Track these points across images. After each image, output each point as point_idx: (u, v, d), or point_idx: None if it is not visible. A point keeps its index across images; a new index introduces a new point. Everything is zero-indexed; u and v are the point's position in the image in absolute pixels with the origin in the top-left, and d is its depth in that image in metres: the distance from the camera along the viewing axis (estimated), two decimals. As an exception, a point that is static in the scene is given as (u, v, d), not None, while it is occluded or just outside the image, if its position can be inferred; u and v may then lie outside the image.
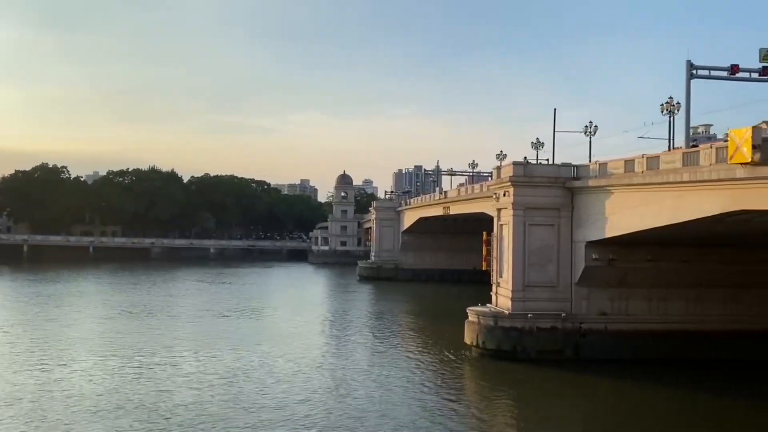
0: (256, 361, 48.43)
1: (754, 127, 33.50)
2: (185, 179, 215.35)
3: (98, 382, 41.31)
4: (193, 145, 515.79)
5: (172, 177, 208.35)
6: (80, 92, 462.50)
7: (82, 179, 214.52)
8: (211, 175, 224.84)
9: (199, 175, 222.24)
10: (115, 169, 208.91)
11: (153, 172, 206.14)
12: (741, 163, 33.51)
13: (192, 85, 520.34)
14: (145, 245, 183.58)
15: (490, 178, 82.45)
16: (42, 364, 46.56)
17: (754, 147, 32.61)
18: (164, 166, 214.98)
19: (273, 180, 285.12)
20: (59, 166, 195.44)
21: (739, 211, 35.07)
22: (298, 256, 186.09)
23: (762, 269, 48.80)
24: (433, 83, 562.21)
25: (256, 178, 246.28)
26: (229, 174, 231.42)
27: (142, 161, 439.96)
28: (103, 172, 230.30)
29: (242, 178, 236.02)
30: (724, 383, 43.04)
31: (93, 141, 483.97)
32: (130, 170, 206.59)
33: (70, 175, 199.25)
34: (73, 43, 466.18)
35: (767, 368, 46.27)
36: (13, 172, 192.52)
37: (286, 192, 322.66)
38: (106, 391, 38.97)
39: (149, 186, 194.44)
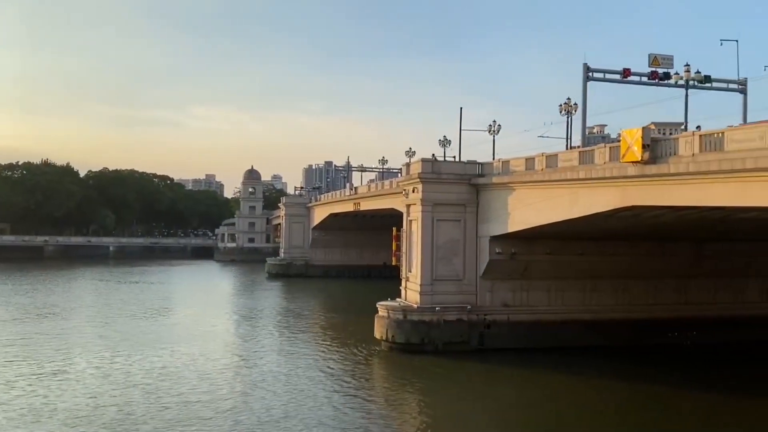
0: (160, 363, 46.67)
1: (644, 128, 35.83)
2: (82, 173, 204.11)
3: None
4: (91, 138, 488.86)
5: (67, 171, 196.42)
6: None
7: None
8: (111, 169, 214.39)
9: (98, 170, 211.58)
10: (2, 162, 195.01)
11: (46, 165, 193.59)
12: (632, 162, 35.81)
13: (89, 76, 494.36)
14: (37, 243, 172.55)
15: (399, 175, 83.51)
16: None
17: (644, 146, 34.93)
18: (59, 160, 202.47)
19: (177, 175, 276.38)
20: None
21: (629, 207, 37.42)
22: (204, 254, 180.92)
23: (649, 261, 52.32)
24: (342, 81, 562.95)
25: (158, 173, 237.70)
26: (129, 168, 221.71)
27: (33, 154, 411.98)
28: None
29: (144, 172, 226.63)
30: (617, 368, 45.84)
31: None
32: (20, 163, 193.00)
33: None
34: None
35: (657, 353, 49.75)
36: None
37: (190, 187, 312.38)
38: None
39: (42, 180, 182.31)
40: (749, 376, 44.88)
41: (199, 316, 73.06)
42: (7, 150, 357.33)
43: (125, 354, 49.76)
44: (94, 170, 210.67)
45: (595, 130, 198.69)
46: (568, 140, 56.25)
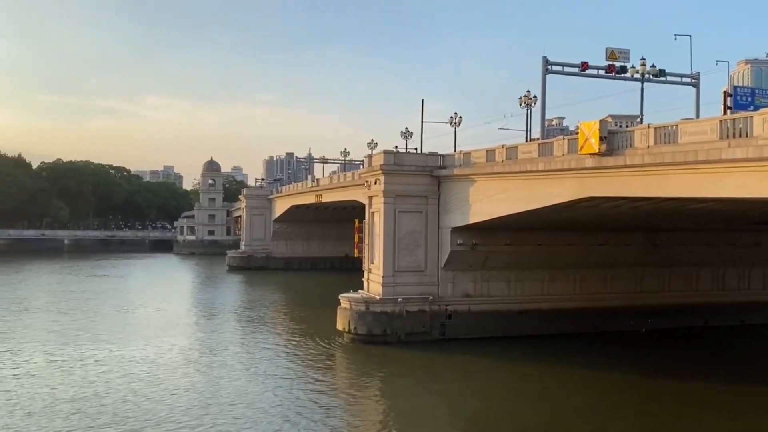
0: (116, 359, 45.63)
1: (601, 121, 36.52)
2: (34, 165, 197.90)
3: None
4: (41, 129, 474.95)
5: (18, 162, 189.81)
6: None
7: None
8: (65, 160, 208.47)
9: (51, 161, 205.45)
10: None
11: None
12: (590, 154, 36.47)
13: (33, 64, 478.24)
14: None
15: (361, 167, 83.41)
16: None
17: (601, 138, 35.62)
18: (9, 151, 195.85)
19: (134, 167, 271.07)
20: None
21: (587, 198, 38.12)
22: (163, 247, 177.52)
23: (604, 251, 53.46)
24: (298, 71, 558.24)
25: (115, 165, 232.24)
26: (84, 160, 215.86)
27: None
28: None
29: (99, 164, 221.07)
30: (576, 356, 46.82)
31: None
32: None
33: None
34: None
35: (614, 341, 50.98)
36: None
37: (148, 179, 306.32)
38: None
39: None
40: (701, 360, 46.76)
41: (159, 309, 71.48)
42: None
43: (77, 348, 48.55)
44: (47, 161, 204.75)
45: (554, 123, 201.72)
46: (528, 132, 57.10)
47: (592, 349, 48.91)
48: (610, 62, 52.61)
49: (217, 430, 30.81)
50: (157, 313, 68.81)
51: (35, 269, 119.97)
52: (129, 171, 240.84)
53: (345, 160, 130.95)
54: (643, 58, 52.88)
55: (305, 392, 37.96)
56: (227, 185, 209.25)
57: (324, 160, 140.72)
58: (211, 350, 50.44)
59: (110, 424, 31.44)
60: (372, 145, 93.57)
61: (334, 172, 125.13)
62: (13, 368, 42.71)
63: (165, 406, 34.55)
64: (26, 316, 65.64)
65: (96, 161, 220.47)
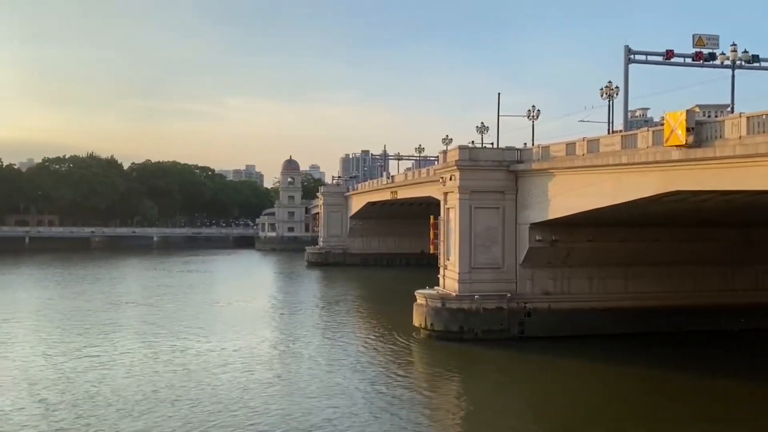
0: (213, 350, 47.72)
1: (688, 111, 34.89)
2: (125, 166, 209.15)
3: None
4: (132, 131, 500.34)
5: (111, 164, 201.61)
6: (4, 75, 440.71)
7: (15, 167, 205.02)
8: (153, 161, 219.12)
9: (140, 162, 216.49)
10: (50, 156, 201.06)
11: (91, 158, 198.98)
12: (676, 146, 34.91)
13: (125, 69, 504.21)
14: (84, 234, 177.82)
15: (436, 163, 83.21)
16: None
17: (688, 130, 34.02)
18: (103, 153, 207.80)
19: (217, 166, 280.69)
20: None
21: (674, 191, 36.53)
22: (245, 243, 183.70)
23: (692, 247, 51.03)
24: (375, 69, 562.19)
25: (200, 164, 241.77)
26: (171, 160, 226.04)
27: (78, 148, 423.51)
28: (38, 160, 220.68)
29: (185, 164, 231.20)
30: (661, 356, 45.01)
31: (24, 128, 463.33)
32: (67, 157, 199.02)
33: (2, 162, 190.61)
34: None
35: (702, 339, 48.72)
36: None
37: (231, 178, 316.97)
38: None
39: (87, 173, 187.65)
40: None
41: (247, 303, 74.89)
42: (53, 144, 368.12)
43: (177, 340, 51.22)
44: (137, 162, 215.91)
45: (637, 114, 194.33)
46: (610, 125, 55.23)
47: (680, 350, 46.77)
48: (698, 49, 50.03)
49: (310, 423, 31.67)
50: (245, 307, 71.94)
51: (129, 265, 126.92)
52: (213, 170, 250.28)
53: (420, 157, 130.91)
54: (734, 44, 50.02)
55: (388, 387, 38.41)
56: (305, 183, 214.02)
57: (399, 157, 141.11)
58: (297, 343, 51.84)
59: (209, 411, 32.94)
60: (447, 140, 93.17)
61: (408, 169, 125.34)
62: (119, 357, 45.37)
63: (261, 395, 36.02)
64: (126, 309, 69.78)
65: (182, 161, 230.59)
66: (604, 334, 48.87)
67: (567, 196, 46.28)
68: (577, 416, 33.92)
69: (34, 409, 33.34)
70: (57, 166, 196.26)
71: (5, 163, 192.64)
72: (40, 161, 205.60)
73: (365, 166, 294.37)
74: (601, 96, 54.29)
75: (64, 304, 71.80)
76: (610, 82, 53.58)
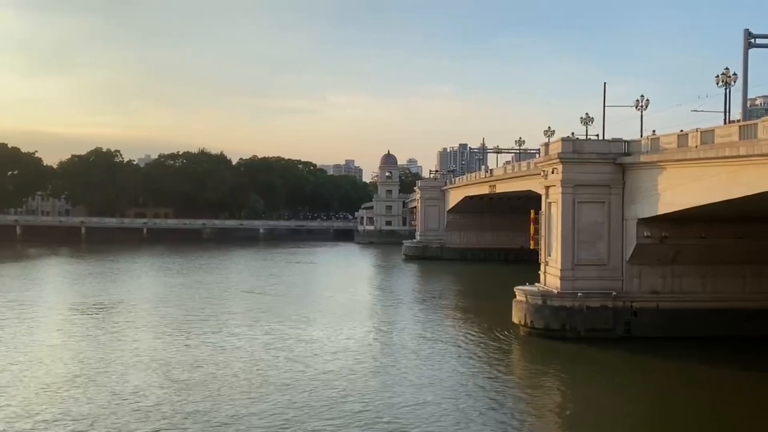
0: (323, 339, 49.93)
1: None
2: (234, 161, 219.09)
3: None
4: (238, 127, 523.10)
5: (221, 159, 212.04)
6: (122, 78, 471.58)
7: (134, 163, 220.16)
8: (259, 157, 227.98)
9: (247, 157, 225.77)
10: (165, 153, 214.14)
11: (202, 154, 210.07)
12: (802, 136, 32.31)
13: (230, 68, 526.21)
14: (196, 226, 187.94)
15: (537, 155, 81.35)
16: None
17: (816, 118, 31.39)
18: (212, 149, 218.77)
19: (318, 161, 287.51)
20: (113, 150, 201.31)
21: (799, 185, 33.86)
22: (345, 236, 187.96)
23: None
24: (469, 62, 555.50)
25: (302, 160, 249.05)
26: (276, 156, 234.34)
27: (189, 145, 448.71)
28: (154, 156, 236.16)
29: (289, 159, 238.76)
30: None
31: (140, 126, 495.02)
32: (180, 153, 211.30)
33: (123, 159, 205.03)
34: (106, 28, 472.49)
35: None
36: (70, 156, 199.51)
37: (331, 173, 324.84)
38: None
39: (199, 168, 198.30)
40: None
41: (351, 295, 77.58)
42: (167, 141, 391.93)
43: (291, 328, 54.07)
44: (244, 158, 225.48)
45: (757, 102, 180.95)
46: (727, 114, 51.77)
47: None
48: (829, 30, 45.86)
49: (416, 414, 32.31)
50: (349, 298, 74.32)
51: (239, 255, 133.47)
52: (315, 165, 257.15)
53: (520, 150, 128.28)
54: None
55: (490, 383, 38.32)
56: (403, 177, 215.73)
57: (498, 150, 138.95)
58: (400, 335, 52.85)
59: (325, 397, 34.61)
60: (549, 132, 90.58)
61: (508, 162, 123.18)
62: (238, 342, 48.36)
63: (369, 384, 37.54)
64: (242, 298, 73.58)
65: (286, 157, 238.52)
66: (716, 336, 46.16)
67: (678, 190, 43.95)
68: (682, 426, 31.98)
69: (168, 388, 36.00)
70: (171, 162, 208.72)
71: (126, 160, 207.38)
72: (156, 157, 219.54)
73: (463, 159, 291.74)
74: (717, 84, 50.93)
75: (186, 293, 76.71)
76: (727, 68, 50.19)
